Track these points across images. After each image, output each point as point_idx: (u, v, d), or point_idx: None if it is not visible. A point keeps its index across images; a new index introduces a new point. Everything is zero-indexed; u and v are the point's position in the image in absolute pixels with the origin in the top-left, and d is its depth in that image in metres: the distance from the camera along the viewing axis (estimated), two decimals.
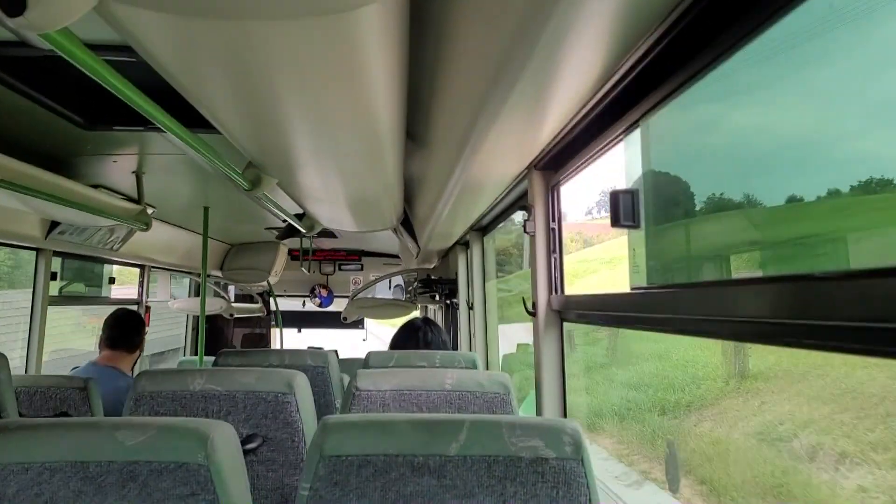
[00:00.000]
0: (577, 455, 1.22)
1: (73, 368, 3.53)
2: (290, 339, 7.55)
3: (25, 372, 3.57)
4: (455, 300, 4.80)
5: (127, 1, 1.06)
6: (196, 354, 6.29)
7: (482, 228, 3.79)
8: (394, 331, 3.35)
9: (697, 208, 1.29)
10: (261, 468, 2.00)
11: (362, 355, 4.89)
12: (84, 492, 1.17)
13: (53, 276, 3.76)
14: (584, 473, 1.21)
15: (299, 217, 3.66)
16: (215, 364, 2.94)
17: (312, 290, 7.15)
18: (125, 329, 3.59)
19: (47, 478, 1.17)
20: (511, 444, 1.21)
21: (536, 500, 1.21)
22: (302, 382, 2.04)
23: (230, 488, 1.21)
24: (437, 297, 5.32)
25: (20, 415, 2.33)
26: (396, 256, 7.05)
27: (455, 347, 4.75)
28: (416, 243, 4.27)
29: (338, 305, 6.98)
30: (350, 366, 3.40)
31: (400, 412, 1.94)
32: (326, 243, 6.59)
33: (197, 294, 6.34)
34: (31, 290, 3.70)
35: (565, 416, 2.18)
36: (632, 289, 1.48)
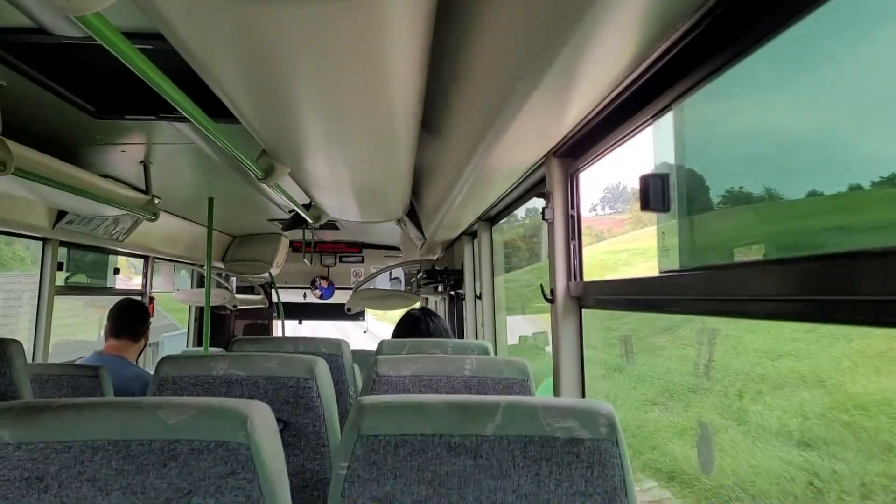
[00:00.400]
0: (612, 436, 1.23)
1: (79, 358, 3.53)
2: (290, 330, 7.55)
3: (32, 360, 3.57)
4: (460, 291, 4.81)
5: None
6: (199, 345, 6.30)
7: (491, 218, 3.80)
8: (383, 324, 3.38)
9: (734, 193, 1.30)
10: None
11: (362, 347, 4.92)
12: (125, 470, 1.18)
13: (60, 267, 3.76)
14: (619, 454, 1.23)
15: (306, 207, 3.67)
16: (230, 352, 2.94)
17: (313, 282, 7.17)
18: (129, 319, 3.59)
19: (90, 456, 1.17)
20: (546, 425, 1.22)
21: (571, 480, 1.22)
22: (323, 368, 2.05)
23: (269, 467, 1.22)
24: (441, 288, 5.33)
25: None
26: (397, 249, 7.07)
27: (458, 337, 4.76)
28: (422, 234, 4.28)
29: (338, 297, 7.00)
30: (356, 356, 3.42)
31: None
32: (328, 235, 6.60)
33: (200, 285, 6.34)
34: (38, 279, 3.70)
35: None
36: (660, 272, 1.49)
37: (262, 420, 1.24)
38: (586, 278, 2.16)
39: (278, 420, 2.00)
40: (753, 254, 1.25)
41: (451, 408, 1.24)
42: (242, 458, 1.19)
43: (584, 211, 2.23)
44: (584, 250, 2.20)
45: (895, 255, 0.81)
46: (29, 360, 3.52)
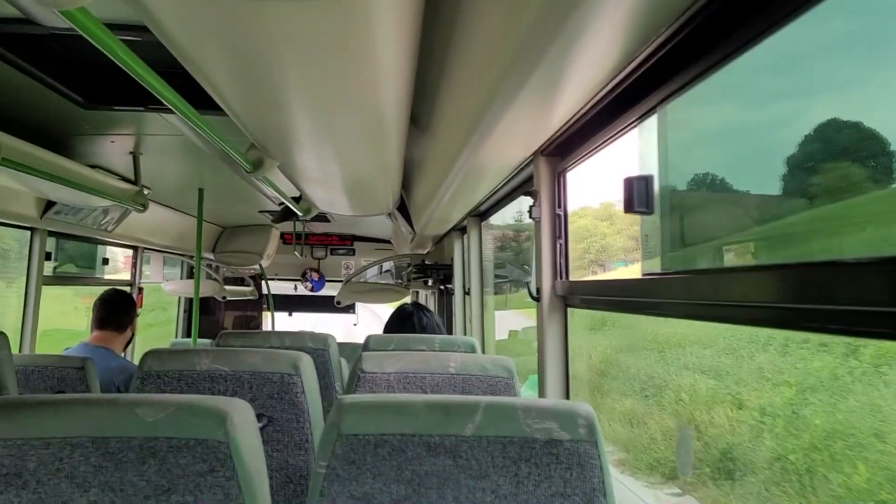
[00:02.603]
0: (591, 437, 1.23)
1: (66, 349, 3.52)
2: (280, 323, 7.54)
3: (20, 351, 3.56)
4: (450, 285, 4.81)
5: None
6: (188, 336, 6.29)
7: (480, 214, 3.81)
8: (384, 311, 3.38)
9: (716, 196, 1.31)
10: (266, 448, 2.00)
11: (351, 340, 4.92)
12: (104, 467, 1.18)
13: (48, 257, 3.75)
14: (598, 456, 1.23)
15: (296, 200, 3.66)
16: (216, 345, 2.94)
17: (304, 274, 7.15)
18: (114, 310, 3.57)
19: (68, 453, 1.17)
20: (526, 426, 1.23)
21: (550, 481, 1.22)
22: (307, 364, 2.05)
23: (248, 465, 1.22)
24: (431, 283, 5.33)
25: (19, 394, 2.32)
26: (388, 242, 7.06)
27: (448, 332, 4.77)
28: (412, 228, 4.28)
29: (329, 290, 6.99)
30: (344, 349, 3.42)
31: (408, 394, 1.95)
32: (319, 227, 6.59)
33: (189, 276, 6.33)
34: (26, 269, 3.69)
35: (568, 398, 2.21)
36: (643, 275, 1.50)
37: (242, 418, 1.24)
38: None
39: (262, 415, 2.00)
40: (736, 257, 1.26)
41: (431, 408, 1.24)
42: (222, 455, 1.19)
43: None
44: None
45: (869, 266, 0.81)
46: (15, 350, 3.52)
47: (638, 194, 1.47)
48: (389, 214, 4.16)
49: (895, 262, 0.77)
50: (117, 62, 1.39)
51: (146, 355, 2.01)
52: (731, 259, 1.28)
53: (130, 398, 1.23)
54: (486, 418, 1.23)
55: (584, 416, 1.24)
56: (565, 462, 1.22)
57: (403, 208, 4.08)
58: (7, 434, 1.17)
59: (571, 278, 2.19)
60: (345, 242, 7.03)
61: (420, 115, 2.20)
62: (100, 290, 3.81)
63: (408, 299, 6.19)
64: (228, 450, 1.20)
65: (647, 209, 1.46)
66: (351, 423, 1.23)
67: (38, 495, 1.16)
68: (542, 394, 2.21)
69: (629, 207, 1.48)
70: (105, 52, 1.32)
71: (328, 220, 5.83)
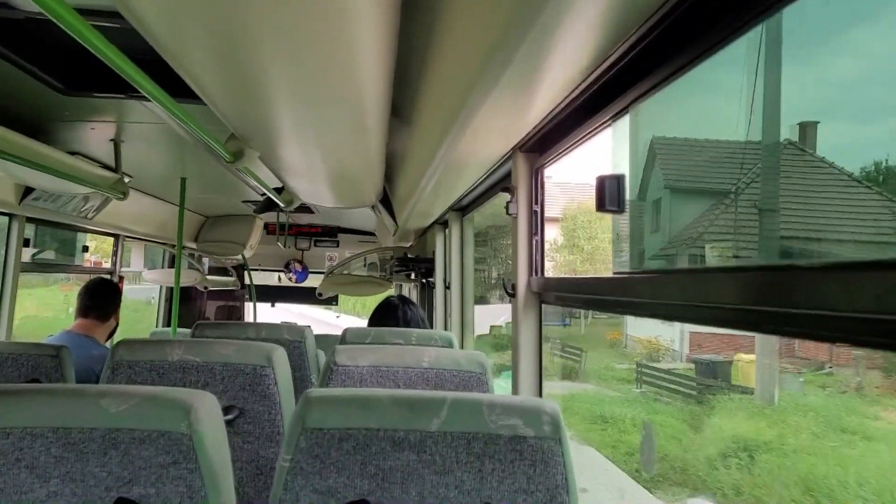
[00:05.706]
0: (556, 434, 1.24)
1: (48, 337, 3.51)
2: (263, 314, 7.52)
3: None
4: (431, 279, 4.81)
5: None
6: (168, 325, 6.26)
7: (462, 209, 3.81)
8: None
9: (684, 197, 1.31)
10: (237, 440, 2.00)
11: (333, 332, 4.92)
12: (65, 458, 1.17)
13: (26, 243, 3.72)
14: (562, 453, 1.23)
15: (278, 191, 3.64)
16: (192, 336, 2.93)
17: (287, 265, 7.13)
18: (97, 298, 3.57)
19: (28, 443, 1.16)
20: (490, 423, 1.23)
21: (514, 477, 1.23)
22: (280, 356, 2.05)
23: (212, 458, 1.21)
24: (413, 276, 5.33)
25: None
26: (372, 234, 7.05)
27: (431, 326, 4.77)
28: (395, 221, 4.28)
29: (312, 281, 6.97)
30: (323, 342, 3.41)
31: (377, 388, 1.95)
32: (303, 218, 6.56)
33: (171, 265, 6.30)
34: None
35: (541, 395, 2.21)
36: (614, 273, 1.50)
37: (207, 410, 1.24)
38: None
39: (233, 407, 1.99)
40: (704, 258, 1.26)
41: (397, 402, 1.24)
42: (185, 448, 1.19)
43: None
44: None
45: (820, 271, 0.82)
46: None
47: (609, 193, 1.47)
48: (373, 207, 4.16)
49: (847, 269, 0.77)
50: (90, 49, 1.37)
51: (117, 345, 2.00)
52: (699, 260, 1.29)
53: (96, 389, 1.22)
54: (452, 414, 1.23)
55: (549, 414, 1.25)
56: (529, 458, 1.23)
57: (387, 201, 4.07)
58: None
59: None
60: (329, 234, 7.01)
61: (402, 107, 2.19)
62: (80, 278, 3.79)
63: (392, 291, 6.18)
64: (192, 442, 1.19)
65: (618, 208, 1.46)
66: (316, 416, 1.22)
67: None
68: (515, 389, 2.22)
69: (601, 206, 1.48)
70: (78, 39, 1.31)
71: (312, 212, 5.81)
